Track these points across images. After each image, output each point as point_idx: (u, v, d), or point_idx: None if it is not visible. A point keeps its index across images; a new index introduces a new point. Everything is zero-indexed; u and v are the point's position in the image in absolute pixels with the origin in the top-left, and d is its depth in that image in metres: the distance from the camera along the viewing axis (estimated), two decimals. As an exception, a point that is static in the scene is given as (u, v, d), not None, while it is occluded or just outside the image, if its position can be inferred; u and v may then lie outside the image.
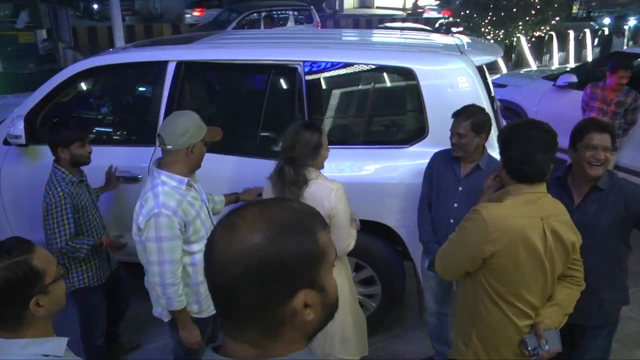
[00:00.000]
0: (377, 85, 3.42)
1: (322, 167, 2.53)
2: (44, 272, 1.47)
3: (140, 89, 3.91)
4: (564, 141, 2.26)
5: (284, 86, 3.36)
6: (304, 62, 3.20)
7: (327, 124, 3.29)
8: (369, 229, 3.09)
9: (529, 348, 1.98)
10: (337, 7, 26.15)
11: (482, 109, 2.73)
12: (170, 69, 3.32)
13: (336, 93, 3.39)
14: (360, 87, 3.42)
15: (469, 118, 2.66)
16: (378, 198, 3.16)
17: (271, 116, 3.33)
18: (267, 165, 2.64)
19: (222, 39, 4.01)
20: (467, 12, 11.74)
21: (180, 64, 3.32)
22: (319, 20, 12.75)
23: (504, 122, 3.73)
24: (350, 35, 4.96)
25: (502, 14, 11.11)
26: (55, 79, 3.52)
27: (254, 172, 3.04)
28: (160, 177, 2.28)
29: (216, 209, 2.85)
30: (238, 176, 3.20)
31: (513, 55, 11.20)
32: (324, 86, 3.31)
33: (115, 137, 3.77)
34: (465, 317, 2.14)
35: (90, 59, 3.66)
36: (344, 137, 3.38)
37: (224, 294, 0.85)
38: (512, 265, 1.92)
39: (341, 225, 2.42)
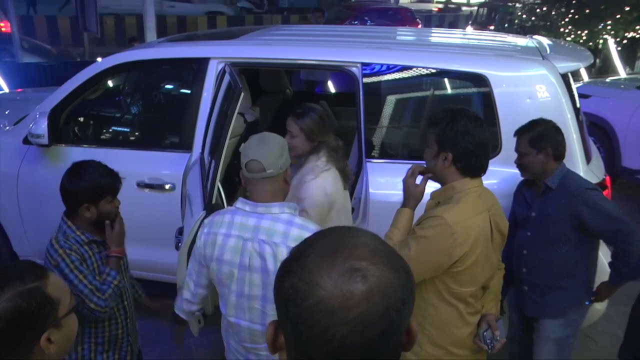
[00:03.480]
0: (443, 93, 3.44)
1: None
2: (58, 302, 1.43)
3: (178, 88, 4.02)
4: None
5: (339, 90, 3.41)
6: (362, 64, 3.25)
7: (383, 134, 3.33)
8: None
9: (487, 341, 2.21)
10: (391, 1, 26.24)
11: (547, 121, 2.69)
12: (212, 67, 3.42)
13: (396, 100, 3.42)
14: (423, 94, 3.44)
15: (526, 133, 2.66)
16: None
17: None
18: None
19: (270, 35, 4.12)
20: (544, 9, 11.59)
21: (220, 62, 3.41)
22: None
23: (590, 140, 3.67)
24: (412, 34, 4.99)
25: (587, 11, 10.90)
26: (83, 75, 3.69)
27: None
28: (284, 214, 2.13)
29: None
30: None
31: (597, 60, 10.97)
32: (383, 92, 3.34)
33: (145, 141, 3.90)
34: None
35: (121, 53, 3.82)
36: (402, 151, 3.41)
37: None
38: (474, 265, 2.10)
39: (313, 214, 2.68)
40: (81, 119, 3.99)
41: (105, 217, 2.40)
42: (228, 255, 2.09)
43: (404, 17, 17.19)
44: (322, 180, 2.68)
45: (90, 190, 2.35)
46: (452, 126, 2.13)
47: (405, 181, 2.35)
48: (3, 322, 1.33)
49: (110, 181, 2.40)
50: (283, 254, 1.99)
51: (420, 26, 16.65)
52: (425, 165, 2.30)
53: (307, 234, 2.00)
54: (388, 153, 3.33)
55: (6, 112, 4.58)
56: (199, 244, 2.18)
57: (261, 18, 20.59)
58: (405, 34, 5.10)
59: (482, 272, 2.18)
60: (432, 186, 2.29)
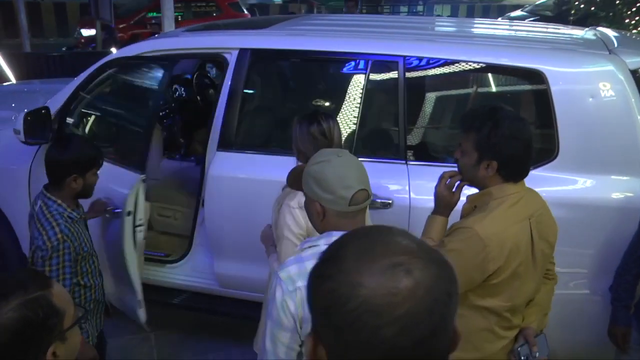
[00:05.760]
0: (493, 90, 3.42)
1: None
2: (64, 313, 1.43)
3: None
4: None
5: (379, 85, 3.41)
6: (406, 57, 3.24)
7: (426, 134, 3.32)
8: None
9: (522, 357, 2.18)
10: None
11: None
12: (233, 58, 3.46)
13: (441, 97, 3.42)
14: (471, 91, 3.43)
15: None
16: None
17: (360, 119, 3.40)
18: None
19: (304, 24, 4.17)
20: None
21: (248, 52, 3.45)
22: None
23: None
24: (461, 25, 4.97)
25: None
26: (93, 68, 3.76)
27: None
28: None
29: None
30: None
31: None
32: (427, 88, 3.34)
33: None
34: None
35: (135, 45, 3.88)
36: (446, 153, 3.40)
37: None
38: (511, 278, 2.07)
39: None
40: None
41: (89, 190, 2.73)
42: None
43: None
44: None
45: (80, 161, 2.65)
46: (497, 131, 2.07)
47: (438, 191, 2.32)
48: (9, 334, 1.34)
49: (97, 153, 2.72)
50: None
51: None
52: (457, 171, 2.27)
53: None
54: (431, 155, 3.32)
55: (12, 105, 4.68)
56: (292, 306, 1.80)
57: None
58: (449, 24, 5.09)
59: (523, 285, 2.13)
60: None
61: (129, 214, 3.23)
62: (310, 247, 1.91)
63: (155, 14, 13.85)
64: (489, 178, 2.13)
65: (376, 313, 0.86)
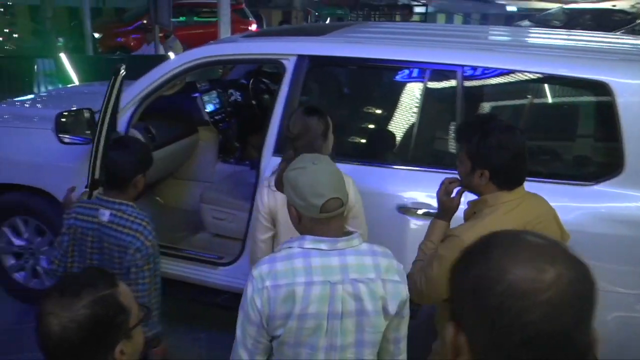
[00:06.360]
0: (555, 101, 3.35)
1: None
2: (129, 311, 1.46)
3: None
4: None
5: (437, 94, 3.38)
6: (464, 66, 3.21)
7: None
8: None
9: None
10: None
11: None
12: (291, 65, 3.48)
13: (499, 107, 3.36)
14: (532, 102, 3.36)
15: None
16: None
17: (417, 128, 3.38)
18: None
19: (362, 32, 4.17)
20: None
21: (306, 59, 3.46)
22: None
23: None
24: (517, 35, 4.89)
25: None
26: (158, 72, 3.83)
27: (396, 182, 3.23)
28: (363, 245, 2.05)
29: None
30: (382, 187, 3.28)
31: None
32: (486, 98, 3.29)
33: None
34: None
35: (195, 50, 3.95)
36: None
37: None
38: None
39: (362, 212, 2.80)
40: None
41: (144, 188, 2.76)
42: (314, 307, 1.88)
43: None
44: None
45: (145, 159, 2.72)
46: (485, 142, 2.16)
47: (439, 198, 2.42)
48: (82, 331, 1.36)
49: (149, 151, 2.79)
50: (379, 289, 1.92)
51: (254, 25, 16.23)
52: (458, 178, 2.36)
53: (393, 261, 2.00)
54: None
55: (72, 106, 4.81)
56: (259, 303, 1.89)
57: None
58: (505, 34, 5.00)
59: None
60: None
61: None
62: (285, 248, 1.97)
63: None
64: (483, 186, 2.22)
65: (521, 297, 0.91)
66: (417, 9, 20.51)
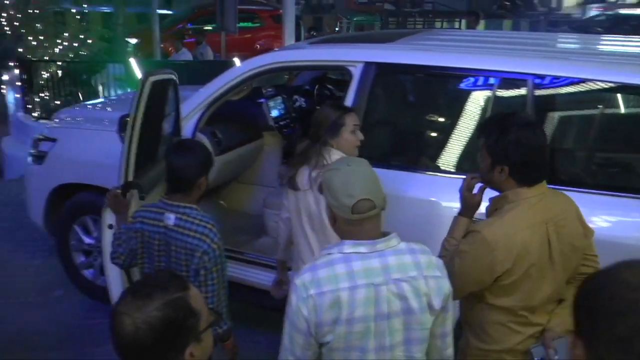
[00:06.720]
0: (629, 112, 3.25)
1: (351, 152, 2.95)
2: (200, 315, 1.48)
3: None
4: None
5: (506, 103, 3.32)
6: (535, 75, 3.15)
7: (555, 156, 3.21)
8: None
9: (536, 359, 2.21)
10: (553, 5, 25.28)
11: None
12: (358, 72, 3.48)
13: (571, 118, 3.28)
14: (605, 112, 3.27)
15: None
16: (611, 261, 2.95)
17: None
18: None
19: (430, 40, 4.15)
20: None
21: (373, 66, 3.47)
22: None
23: None
24: (589, 43, 4.76)
25: None
26: (225, 77, 3.92)
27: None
28: (401, 244, 2.06)
29: None
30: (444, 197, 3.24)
31: None
32: (557, 109, 3.22)
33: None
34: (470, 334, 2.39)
35: (263, 56, 4.02)
36: (574, 177, 3.26)
37: None
38: (522, 280, 2.16)
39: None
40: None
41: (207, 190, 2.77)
42: (360, 310, 1.90)
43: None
44: None
45: (208, 160, 2.74)
46: (504, 138, 2.18)
47: (461, 192, 2.44)
48: (154, 333, 1.39)
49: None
50: (422, 286, 1.94)
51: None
52: (479, 174, 2.38)
53: (432, 257, 2.02)
54: (559, 178, 3.17)
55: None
56: (305, 312, 1.91)
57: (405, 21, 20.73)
58: (576, 41, 4.88)
59: (537, 287, 2.20)
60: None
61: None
62: (325, 255, 1.99)
63: (194, 25, 14.58)
64: (503, 182, 2.23)
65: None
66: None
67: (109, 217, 3.25)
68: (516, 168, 2.19)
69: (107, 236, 3.19)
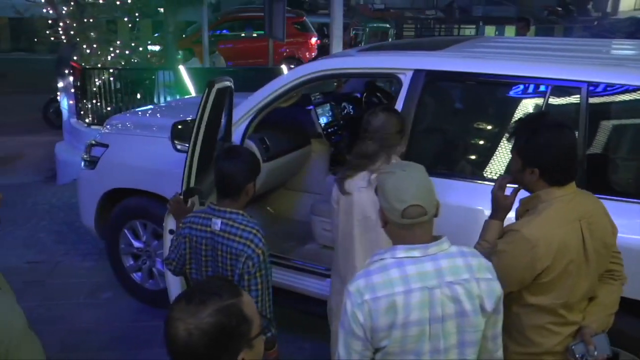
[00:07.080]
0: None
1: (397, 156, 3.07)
2: (252, 321, 1.49)
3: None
4: None
5: (559, 111, 3.26)
6: (590, 82, 3.08)
7: (609, 166, 3.14)
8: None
9: (577, 356, 2.25)
10: (608, 9, 24.70)
11: None
12: (407, 79, 3.47)
13: (626, 127, 3.20)
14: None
15: None
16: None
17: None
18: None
19: (480, 47, 4.12)
20: None
21: (422, 74, 3.45)
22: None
23: None
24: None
25: None
26: (274, 84, 3.95)
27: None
28: (452, 248, 2.08)
29: None
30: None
31: None
32: (613, 117, 3.14)
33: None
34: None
35: (314, 63, 4.05)
36: (627, 187, 3.18)
37: None
38: (561, 277, 2.19)
39: None
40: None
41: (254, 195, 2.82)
42: (416, 314, 1.91)
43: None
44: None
45: (256, 166, 2.80)
46: (534, 141, 2.22)
47: (494, 193, 2.45)
48: (207, 339, 1.41)
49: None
50: (474, 288, 1.95)
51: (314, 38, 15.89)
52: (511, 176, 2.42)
53: (482, 260, 2.03)
54: (613, 188, 3.10)
55: (180, 115, 5.01)
56: (361, 317, 1.92)
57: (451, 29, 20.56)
58: (631, 47, 4.74)
59: (575, 283, 2.23)
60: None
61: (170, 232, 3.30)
62: (378, 260, 2.01)
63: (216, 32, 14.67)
64: (534, 183, 2.27)
65: None
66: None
67: (170, 222, 3.31)
68: (547, 169, 2.22)
69: (168, 241, 3.26)
